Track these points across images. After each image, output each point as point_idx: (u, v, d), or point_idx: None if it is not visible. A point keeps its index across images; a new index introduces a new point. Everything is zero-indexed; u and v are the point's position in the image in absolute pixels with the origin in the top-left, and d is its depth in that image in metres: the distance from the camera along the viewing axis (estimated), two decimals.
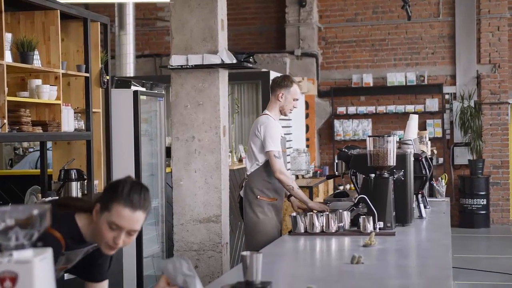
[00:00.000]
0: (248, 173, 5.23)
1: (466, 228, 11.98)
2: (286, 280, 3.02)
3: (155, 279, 6.67)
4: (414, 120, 5.50)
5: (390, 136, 4.38)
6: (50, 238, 2.53)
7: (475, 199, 12.04)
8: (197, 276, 2.48)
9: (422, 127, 12.17)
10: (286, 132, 10.06)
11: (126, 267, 5.98)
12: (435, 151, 9.44)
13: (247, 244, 5.28)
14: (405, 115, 12.34)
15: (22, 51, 4.76)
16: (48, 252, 1.79)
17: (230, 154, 8.14)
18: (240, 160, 8.01)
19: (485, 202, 12.06)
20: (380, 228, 4.21)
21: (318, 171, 10.95)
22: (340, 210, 4.34)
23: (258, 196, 5.13)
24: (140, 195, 2.55)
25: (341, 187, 12.29)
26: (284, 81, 5.24)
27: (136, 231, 2.57)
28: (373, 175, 4.36)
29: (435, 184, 6.37)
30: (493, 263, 9.15)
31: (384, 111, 12.56)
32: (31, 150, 8.85)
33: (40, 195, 5.38)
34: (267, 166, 5.13)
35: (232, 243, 7.18)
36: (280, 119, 9.25)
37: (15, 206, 1.76)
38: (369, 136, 4.42)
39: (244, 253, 2.73)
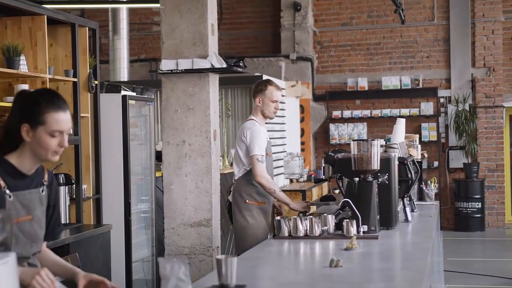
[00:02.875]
0: (236, 178, 5.32)
1: (461, 231, 11.98)
2: (262, 283, 3.04)
3: (145, 284, 6.68)
4: (401, 124, 5.51)
5: (374, 140, 4.39)
6: None
7: (470, 203, 12.04)
8: (190, 283, 2.49)
9: (417, 130, 12.20)
10: (280, 136, 10.10)
11: (115, 271, 5.99)
12: (426, 155, 9.43)
13: (237, 248, 5.31)
14: None
15: (8, 56, 4.79)
16: (11, 257, 1.81)
17: (221, 158, 8.16)
18: (232, 164, 8.02)
19: (480, 206, 12.07)
20: (364, 232, 4.22)
21: (313, 175, 10.95)
22: (325, 214, 4.35)
23: (247, 200, 5.22)
24: (59, 97, 2.72)
25: (337, 191, 12.29)
26: (259, 86, 5.38)
27: (70, 129, 2.75)
28: (357, 179, 4.37)
29: (424, 188, 6.38)
30: (488, 267, 9.16)
31: (379, 115, 12.58)
32: None
33: None
34: None
35: (223, 247, 7.20)
36: (272, 123, 9.26)
37: None
38: (353, 140, 4.44)
39: (219, 257, 2.75)
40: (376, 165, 4.36)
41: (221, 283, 2.74)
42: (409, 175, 4.98)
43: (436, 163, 12.36)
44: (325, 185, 10.95)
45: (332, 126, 12.76)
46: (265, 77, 9.74)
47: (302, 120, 12.30)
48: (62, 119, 2.67)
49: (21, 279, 2.51)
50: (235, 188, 5.30)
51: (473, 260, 9.71)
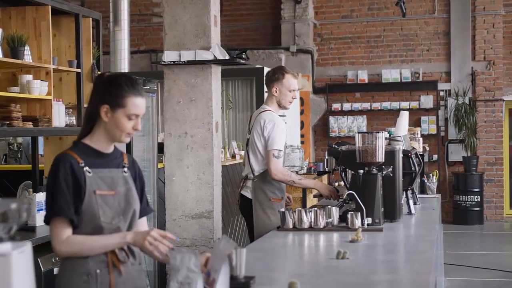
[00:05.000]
0: (255, 174, 5.07)
1: (460, 224, 12.01)
2: (271, 274, 3.04)
3: (147, 274, 6.69)
4: (404, 117, 5.51)
5: (379, 132, 4.39)
6: (59, 155, 2.79)
7: (469, 196, 12.07)
8: (201, 274, 2.50)
9: (416, 123, 12.20)
10: None
11: None
12: (427, 148, 9.44)
13: None
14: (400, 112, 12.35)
15: (13, 47, 4.77)
16: (27, 246, 1.81)
17: (223, 150, 8.15)
18: (233, 156, 8.02)
19: (479, 199, 12.09)
20: (368, 224, 4.23)
21: (313, 168, 10.97)
22: (329, 206, 4.36)
23: (271, 199, 5.02)
24: (137, 83, 2.87)
25: (336, 183, 12.30)
26: (275, 74, 5.13)
27: (143, 114, 2.86)
28: (361, 171, 4.37)
29: (426, 181, 6.39)
30: (486, 260, 9.18)
31: (379, 108, 12.59)
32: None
33: (31, 190, 5.39)
34: None
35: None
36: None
37: None
38: (358, 133, 4.43)
39: None
40: (380, 157, 4.36)
41: (230, 274, 2.74)
42: (413, 168, 4.98)
43: (435, 156, 12.38)
44: (324, 177, 10.97)
45: (331, 119, 12.76)
46: (267, 69, 9.74)
47: (302, 112, 12.30)
48: (140, 104, 2.81)
49: (134, 242, 2.73)
50: (256, 185, 5.04)
51: (472, 253, 9.74)
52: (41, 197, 5.02)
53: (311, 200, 9.01)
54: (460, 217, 12.14)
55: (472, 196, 12.07)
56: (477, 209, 12.11)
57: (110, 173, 2.85)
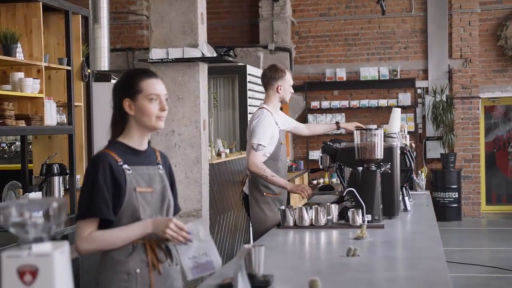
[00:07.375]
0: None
1: (438, 221, 11.95)
2: (286, 272, 3.02)
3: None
4: (397, 113, 5.53)
5: (377, 129, 4.39)
6: (97, 154, 2.81)
7: (447, 193, 12.17)
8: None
9: None
10: None
11: None
12: (413, 145, 9.51)
13: (255, 240, 5.19)
14: (378, 110, 12.46)
15: (5, 44, 4.68)
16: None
17: (209, 148, 8.11)
18: (219, 154, 7.98)
19: (456, 195, 12.20)
20: (368, 221, 4.23)
21: (293, 166, 10.99)
22: (328, 203, 4.35)
23: (264, 193, 5.07)
24: (149, 70, 2.92)
25: (315, 181, 12.34)
26: (278, 73, 5.19)
27: (166, 95, 2.86)
28: (360, 168, 4.37)
29: (415, 178, 6.42)
30: (466, 256, 9.27)
31: (358, 106, 12.62)
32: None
33: (21, 190, 5.30)
34: (270, 162, 5.05)
35: (212, 237, 7.17)
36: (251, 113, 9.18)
37: (33, 199, 1.73)
38: (357, 129, 4.43)
39: (247, 246, 2.73)
40: (379, 154, 4.37)
41: (249, 272, 2.72)
42: (408, 164, 5.00)
43: (413, 154, 12.46)
44: (305, 175, 10.99)
45: (310, 117, 12.78)
46: (249, 67, 9.73)
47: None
48: (155, 84, 2.82)
49: (155, 232, 2.71)
50: (251, 181, 5.10)
51: (452, 250, 9.82)
52: (33, 197, 4.93)
53: (293, 198, 9.00)
54: (438, 214, 12.09)
55: (450, 193, 12.17)
56: (455, 205, 12.23)
57: (147, 171, 2.84)
